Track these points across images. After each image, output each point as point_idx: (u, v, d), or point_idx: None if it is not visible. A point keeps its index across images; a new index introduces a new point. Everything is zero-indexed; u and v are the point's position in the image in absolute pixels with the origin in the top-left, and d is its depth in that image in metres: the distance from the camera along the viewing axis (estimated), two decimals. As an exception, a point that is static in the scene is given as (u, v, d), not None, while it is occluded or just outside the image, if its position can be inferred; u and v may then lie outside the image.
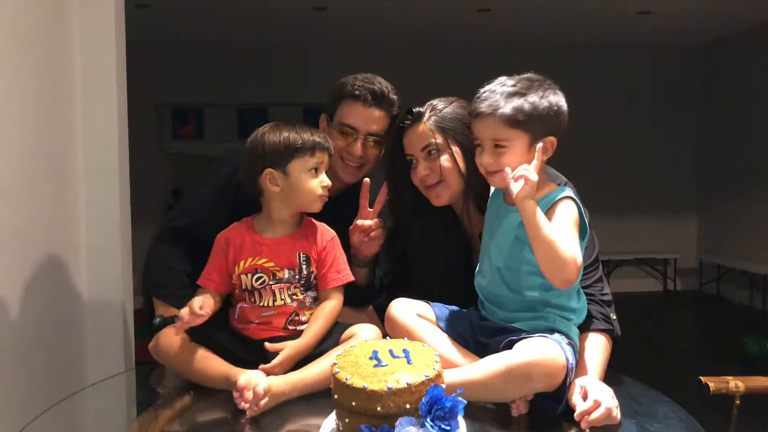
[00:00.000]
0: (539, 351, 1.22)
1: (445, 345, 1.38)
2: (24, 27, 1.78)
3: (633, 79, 7.23)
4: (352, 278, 1.55)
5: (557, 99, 1.37)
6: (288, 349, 1.40)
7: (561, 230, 1.28)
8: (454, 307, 1.49)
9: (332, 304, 1.51)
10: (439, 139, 1.58)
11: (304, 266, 1.50)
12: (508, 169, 1.30)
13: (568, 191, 1.37)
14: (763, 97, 6.35)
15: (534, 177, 1.27)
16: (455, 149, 1.59)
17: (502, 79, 1.39)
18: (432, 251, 1.67)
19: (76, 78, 2.12)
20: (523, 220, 1.29)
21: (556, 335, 1.30)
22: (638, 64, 7.25)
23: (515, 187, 1.28)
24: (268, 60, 6.88)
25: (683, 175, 7.40)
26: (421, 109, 1.63)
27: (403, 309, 1.43)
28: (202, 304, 1.41)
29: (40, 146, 1.87)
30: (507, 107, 1.32)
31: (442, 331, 1.43)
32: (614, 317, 1.50)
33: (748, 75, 6.60)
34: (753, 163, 6.52)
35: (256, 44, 6.73)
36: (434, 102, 1.64)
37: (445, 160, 1.59)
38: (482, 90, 1.39)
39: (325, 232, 1.56)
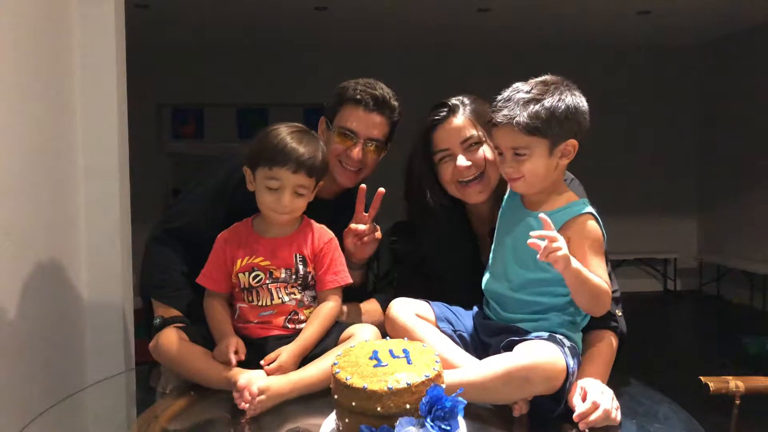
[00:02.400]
0: (539, 354, 1.21)
1: (444, 345, 1.38)
2: (24, 27, 1.78)
3: (633, 78, 7.23)
4: (349, 280, 1.55)
5: (575, 100, 1.35)
6: (284, 354, 1.40)
7: (595, 266, 1.29)
8: (456, 307, 1.49)
9: (329, 306, 1.50)
10: (480, 131, 1.57)
11: (300, 266, 1.50)
12: (541, 243, 1.23)
13: (588, 206, 1.36)
14: (763, 97, 6.35)
15: (564, 249, 1.22)
16: (490, 143, 1.56)
17: (517, 85, 1.37)
18: (444, 250, 1.67)
19: (76, 78, 2.12)
20: (566, 280, 1.27)
21: (558, 338, 1.30)
22: (638, 64, 7.24)
23: (553, 261, 1.23)
24: (268, 60, 6.88)
25: (683, 175, 7.40)
26: (455, 102, 1.61)
27: (403, 309, 1.43)
28: (237, 350, 1.41)
29: (40, 146, 1.87)
30: (523, 115, 1.31)
31: (442, 331, 1.42)
32: (620, 314, 1.50)
33: (748, 75, 6.59)
34: (753, 164, 6.52)
35: (256, 44, 6.73)
36: (461, 97, 1.62)
37: (487, 151, 1.57)
38: (498, 98, 1.37)
39: (323, 233, 1.55)
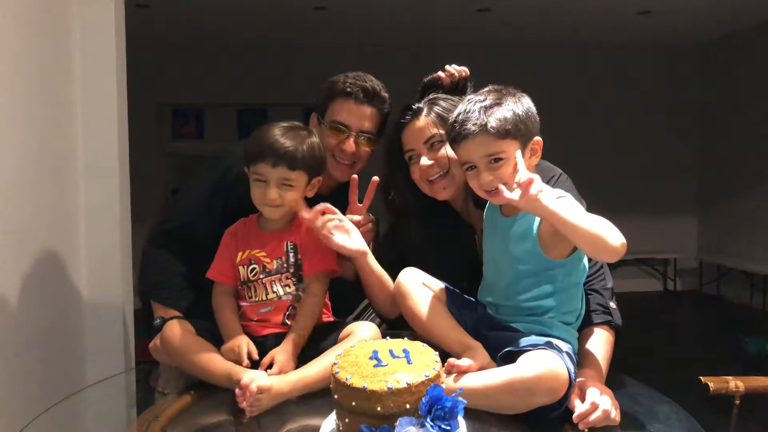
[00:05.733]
0: (542, 366, 1.20)
1: (442, 318, 1.40)
2: (24, 27, 1.78)
3: (633, 79, 7.23)
4: (332, 267, 1.53)
5: (528, 101, 1.37)
6: (279, 356, 1.39)
7: (583, 214, 1.23)
8: (463, 294, 1.50)
9: (310, 298, 1.49)
10: (442, 130, 1.58)
11: (291, 254, 1.51)
12: (502, 187, 1.27)
13: (560, 192, 1.34)
14: (763, 97, 6.35)
15: (535, 175, 1.24)
16: None
17: (470, 98, 1.39)
18: (434, 250, 1.67)
19: (76, 78, 2.12)
20: (546, 216, 1.23)
21: (557, 342, 1.29)
22: (638, 64, 7.24)
23: (531, 191, 1.21)
24: (268, 60, 6.88)
25: (683, 175, 7.40)
26: (420, 105, 1.64)
27: (411, 277, 1.47)
28: (250, 351, 1.41)
29: (41, 146, 1.87)
30: (492, 120, 1.31)
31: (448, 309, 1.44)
32: (614, 306, 1.50)
33: (748, 75, 6.59)
34: (753, 164, 6.52)
35: (256, 44, 6.73)
36: (431, 97, 1.65)
37: (450, 149, 1.56)
38: (455, 114, 1.38)
39: None
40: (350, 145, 1.73)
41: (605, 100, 7.15)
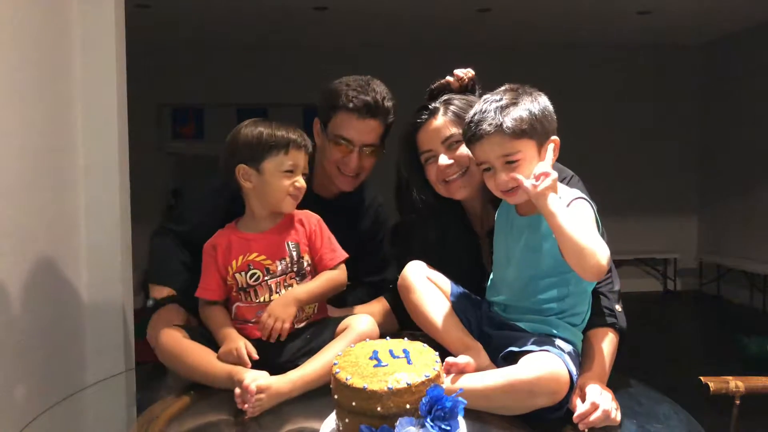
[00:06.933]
0: (543, 367, 1.20)
1: (445, 314, 1.41)
2: (24, 27, 1.78)
3: (633, 79, 7.23)
4: (346, 255, 1.56)
5: (545, 99, 1.37)
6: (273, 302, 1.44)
7: (580, 225, 1.25)
8: (468, 292, 1.50)
9: (336, 271, 1.53)
10: (460, 129, 1.54)
11: (294, 253, 1.51)
12: (520, 176, 1.28)
13: (578, 192, 1.36)
14: (763, 97, 6.34)
15: (554, 173, 1.26)
16: None
17: (486, 97, 1.38)
18: (442, 250, 1.66)
19: (76, 78, 2.12)
20: (546, 214, 1.25)
21: (560, 342, 1.29)
22: (638, 64, 7.24)
23: (541, 184, 1.24)
24: (268, 60, 6.88)
25: (683, 175, 7.39)
26: (436, 105, 1.62)
27: (417, 271, 1.48)
28: (249, 351, 1.42)
29: (41, 146, 1.87)
30: (508, 120, 1.30)
31: (452, 305, 1.44)
32: (620, 309, 1.49)
33: (748, 75, 6.59)
34: (753, 164, 6.52)
35: (256, 44, 6.73)
36: (445, 97, 1.63)
37: None
38: (472, 113, 1.37)
39: (309, 216, 1.56)
40: (354, 159, 1.73)
41: (605, 100, 7.15)
